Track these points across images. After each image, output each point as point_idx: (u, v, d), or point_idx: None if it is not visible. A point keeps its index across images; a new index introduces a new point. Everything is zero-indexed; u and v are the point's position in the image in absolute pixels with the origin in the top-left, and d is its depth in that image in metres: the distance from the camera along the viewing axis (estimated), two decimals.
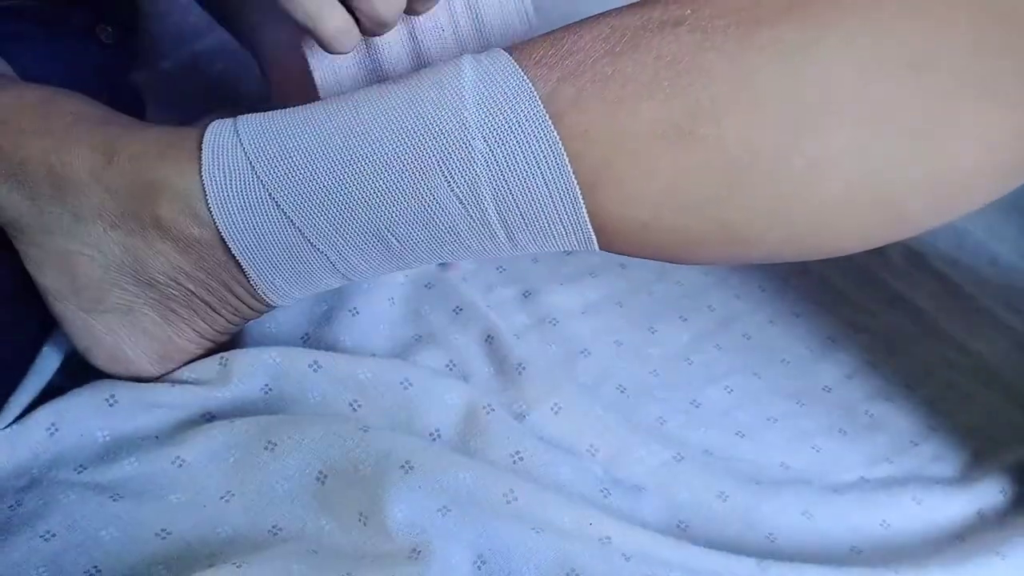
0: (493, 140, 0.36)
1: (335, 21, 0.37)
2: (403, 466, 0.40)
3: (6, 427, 0.41)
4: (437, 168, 0.37)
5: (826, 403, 0.54)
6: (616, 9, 0.38)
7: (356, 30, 0.39)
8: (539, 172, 0.37)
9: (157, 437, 0.42)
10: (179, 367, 0.44)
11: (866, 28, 0.34)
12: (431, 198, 0.38)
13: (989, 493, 0.49)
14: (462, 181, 0.37)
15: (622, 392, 0.52)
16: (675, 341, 0.56)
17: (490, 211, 0.38)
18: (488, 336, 0.51)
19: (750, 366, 0.55)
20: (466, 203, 0.38)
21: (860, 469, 0.50)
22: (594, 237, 0.38)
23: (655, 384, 0.53)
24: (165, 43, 0.75)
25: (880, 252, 0.68)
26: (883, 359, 0.59)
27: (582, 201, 0.37)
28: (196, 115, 0.69)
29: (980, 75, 0.34)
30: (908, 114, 0.34)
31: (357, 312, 0.50)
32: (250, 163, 0.39)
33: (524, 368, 0.49)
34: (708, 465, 0.47)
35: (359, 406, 0.44)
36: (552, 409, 0.47)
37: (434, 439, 0.44)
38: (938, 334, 0.62)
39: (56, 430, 0.41)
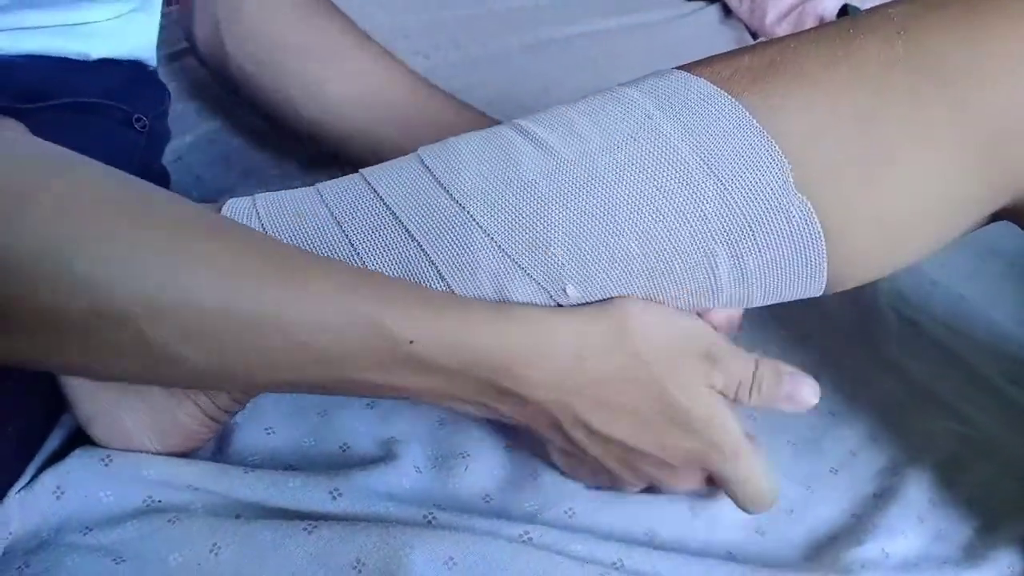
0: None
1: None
2: (425, 516, 0.42)
3: (16, 493, 0.41)
4: None
5: (836, 487, 0.54)
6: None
7: None
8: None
9: (158, 500, 0.42)
10: (176, 443, 0.45)
11: (820, 92, 0.39)
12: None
13: (995, 571, 0.48)
14: None
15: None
16: None
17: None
18: None
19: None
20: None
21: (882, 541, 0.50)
22: None
23: None
24: (188, 118, 0.77)
25: (878, 318, 0.69)
26: (884, 433, 0.59)
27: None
28: (217, 187, 0.72)
29: (918, 124, 0.38)
30: (855, 160, 0.39)
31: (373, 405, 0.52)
32: (264, 231, 0.41)
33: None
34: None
35: (339, 495, 0.44)
36: (567, 513, 0.47)
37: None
38: (936, 403, 0.62)
39: (62, 493, 0.41)
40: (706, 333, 0.42)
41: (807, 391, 0.44)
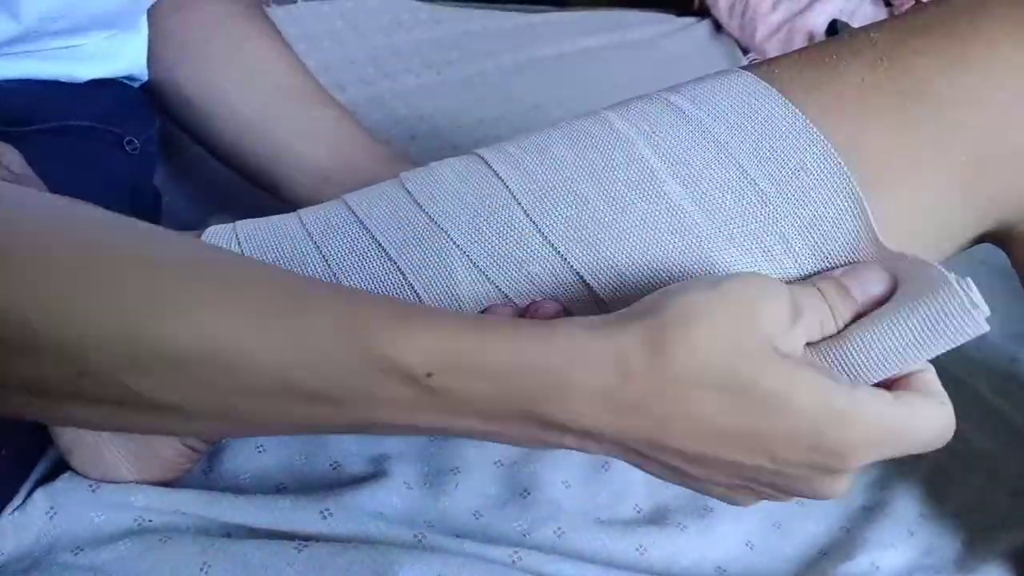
0: None
1: None
2: (416, 535, 0.41)
3: (10, 514, 0.42)
4: None
5: (826, 501, 0.54)
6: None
7: None
8: None
9: (149, 520, 0.42)
10: (156, 474, 0.44)
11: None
12: None
13: None
14: None
15: (638, 512, 0.51)
16: None
17: None
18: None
19: None
20: None
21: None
22: None
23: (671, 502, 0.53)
24: (180, 138, 0.78)
25: None
26: None
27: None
28: (209, 204, 0.72)
29: (901, 148, 0.39)
30: None
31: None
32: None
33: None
34: None
35: (330, 514, 0.44)
36: (556, 533, 0.47)
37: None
38: None
39: (55, 513, 0.42)
40: (766, 296, 0.33)
41: (871, 273, 0.37)
